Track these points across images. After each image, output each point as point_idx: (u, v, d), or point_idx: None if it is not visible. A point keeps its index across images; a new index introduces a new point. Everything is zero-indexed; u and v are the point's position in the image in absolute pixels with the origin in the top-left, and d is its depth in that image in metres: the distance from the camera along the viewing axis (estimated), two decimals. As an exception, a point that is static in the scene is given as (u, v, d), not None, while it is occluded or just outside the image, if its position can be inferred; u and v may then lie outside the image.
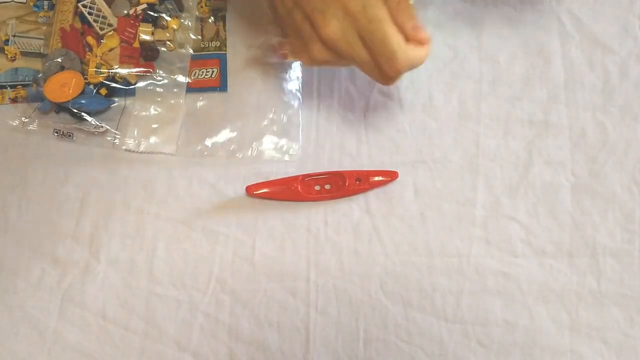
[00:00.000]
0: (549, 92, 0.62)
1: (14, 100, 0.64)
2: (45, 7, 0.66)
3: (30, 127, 0.62)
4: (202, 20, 0.65)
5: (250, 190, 0.59)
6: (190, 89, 0.64)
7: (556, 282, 0.58)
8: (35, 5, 0.67)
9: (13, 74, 0.65)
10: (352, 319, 0.57)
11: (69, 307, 0.59)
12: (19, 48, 0.65)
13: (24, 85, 0.64)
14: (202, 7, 0.65)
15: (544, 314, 0.57)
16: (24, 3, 0.67)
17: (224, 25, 0.65)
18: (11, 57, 0.65)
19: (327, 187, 0.60)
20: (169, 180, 0.61)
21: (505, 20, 0.64)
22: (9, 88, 0.64)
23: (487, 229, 0.59)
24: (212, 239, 0.60)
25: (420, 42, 0.49)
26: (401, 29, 0.48)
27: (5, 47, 0.65)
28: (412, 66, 0.50)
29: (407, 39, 0.48)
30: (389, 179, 0.59)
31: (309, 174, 0.60)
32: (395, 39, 0.47)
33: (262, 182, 0.60)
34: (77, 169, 0.62)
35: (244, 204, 0.60)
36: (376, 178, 0.59)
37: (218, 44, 0.65)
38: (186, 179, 0.61)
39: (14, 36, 0.66)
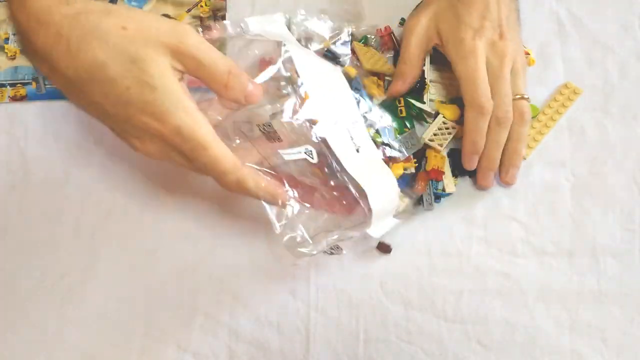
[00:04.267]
0: (549, 92, 0.62)
1: (14, 99, 0.64)
2: (45, 6, 0.66)
3: None
4: (202, 20, 0.65)
5: None
6: (190, 88, 0.63)
7: (556, 282, 0.58)
8: (34, 5, 0.67)
9: (13, 73, 0.65)
10: (352, 319, 0.57)
11: (69, 307, 0.59)
12: (19, 47, 0.65)
13: (23, 84, 0.64)
14: (202, 7, 0.65)
15: (544, 313, 0.57)
16: (24, 2, 0.67)
17: (224, 25, 0.65)
18: (11, 56, 0.65)
19: None
20: (168, 178, 0.61)
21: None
22: (8, 87, 0.64)
23: (487, 229, 0.59)
24: (212, 239, 0.60)
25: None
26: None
27: (5, 46, 0.65)
28: (246, 186, 0.44)
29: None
30: None
31: (311, 178, 0.60)
32: (221, 162, 0.42)
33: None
34: (77, 169, 0.62)
35: (244, 204, 0.60)
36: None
37: (218, 43, 0.65)
38: (186, 175, 0.61)
39: (14, 35, 0.66)
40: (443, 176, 0.58)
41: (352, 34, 0.62)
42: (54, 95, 0.64)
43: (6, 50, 0.65)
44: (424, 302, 0.58)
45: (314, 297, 0.58)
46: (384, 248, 0.57)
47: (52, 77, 0.39)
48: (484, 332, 0.57)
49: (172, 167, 0.61)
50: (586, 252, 0.58)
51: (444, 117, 0.59)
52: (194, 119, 0.40)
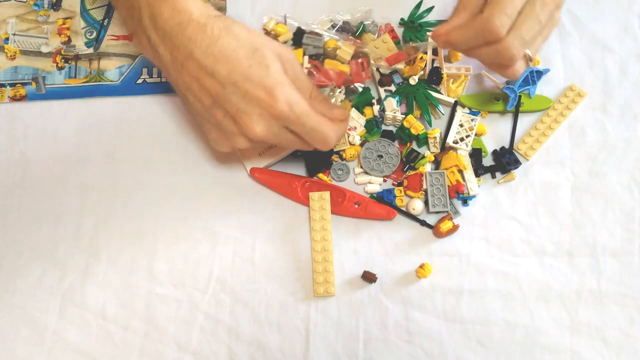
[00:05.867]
0: (548, 91, 0.62)
1: (14, 99, 0.64)
2: (45, 5, 0.66)
3: None
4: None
5: (253, 172, 0.59)
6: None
7: (556, 281, 0.58)
8: (35, 4, 0.66)
9: (13, 73, 0.65)
10: (352, 319, 0.57)
11: (69, 307, 0.59)
12: (18, 47, 0.65)
13: (23, 84, 0.64)
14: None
15: (544, 313, 0.57)
16: (24, 2, 0.67)
17: (224, 24, 0.65)
18: (11, 56, 0.65)
19: None
20: (169, 178, 0.61)
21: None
22: (8, 87, 0.64)
23: (487, 228, 0.59)
24: (212, 239, 0.60)
25: (338, 119, 0.53)
26: (322, 113, 0.52)
27: (5, 46, 0.65)
28: (340, 138, 0.54)
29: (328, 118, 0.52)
30: (386, 216, 0.59)
31: (311, 178, 0.60)
32: (324, 125, 0.51)
33: (266, 169, 0.60)
34: (77, 169, 0.62)
35: (244, 204, 0.60)
36: (374, 210, 0.59)
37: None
38: (186, 175, 0.61)
39: (14, 35, 0.66)
40: (466, 180, 0.59)
41: (347, 22, 0.63)
42: (54, 95, 0.64)
43: (6, 50, 0.65)
44: (424, 302, 0.58)
45: (314, 297, 0.58)
46: (369, 277, 0.57)
47: (181, 61, 0.50)
48: (484, 332, 0.57)
49: (172, 167, 0.61)
50: (586, 252, 0.58)
51: (463, 111, 0.60)
52: (297, 93, 0.50)
